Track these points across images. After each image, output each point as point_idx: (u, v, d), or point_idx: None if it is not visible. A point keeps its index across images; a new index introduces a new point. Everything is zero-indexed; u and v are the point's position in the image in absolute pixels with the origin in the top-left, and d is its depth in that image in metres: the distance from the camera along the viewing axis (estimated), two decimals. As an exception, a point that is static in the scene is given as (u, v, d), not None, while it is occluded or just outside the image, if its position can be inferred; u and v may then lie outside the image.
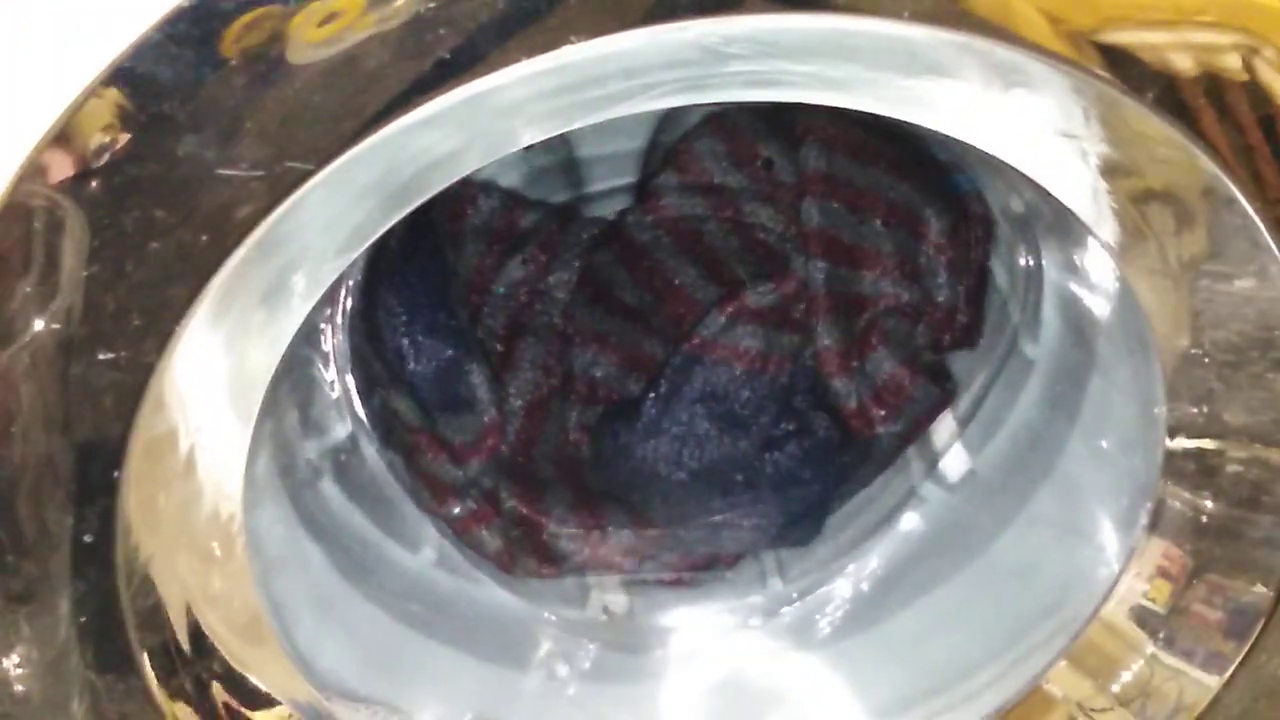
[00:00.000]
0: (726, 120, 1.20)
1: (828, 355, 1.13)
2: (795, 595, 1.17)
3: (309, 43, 0.63)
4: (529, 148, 0.76)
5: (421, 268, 1.11)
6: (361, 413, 1.10)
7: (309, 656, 0.93)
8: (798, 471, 1.13)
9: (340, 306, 1.06)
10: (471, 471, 1.12)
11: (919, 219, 1.15)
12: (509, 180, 1.24)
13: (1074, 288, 1.02)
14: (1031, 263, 1.08)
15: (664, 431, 1.12)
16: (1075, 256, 0.99)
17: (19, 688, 0.76)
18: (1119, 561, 0.97)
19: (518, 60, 0.65)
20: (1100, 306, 0.98)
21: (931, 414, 1.16)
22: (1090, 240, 0.90)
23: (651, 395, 1.12)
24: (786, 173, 1.18)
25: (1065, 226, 0.94)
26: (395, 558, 1.09)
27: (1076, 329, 1.04)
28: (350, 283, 1.06)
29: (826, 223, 1.13)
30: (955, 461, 1.16)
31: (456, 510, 1.12)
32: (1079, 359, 1.03)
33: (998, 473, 1.13)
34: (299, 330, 0.78)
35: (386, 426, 1.11)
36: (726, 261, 1.18)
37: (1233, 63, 0.72)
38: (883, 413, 1.14)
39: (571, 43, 0.65)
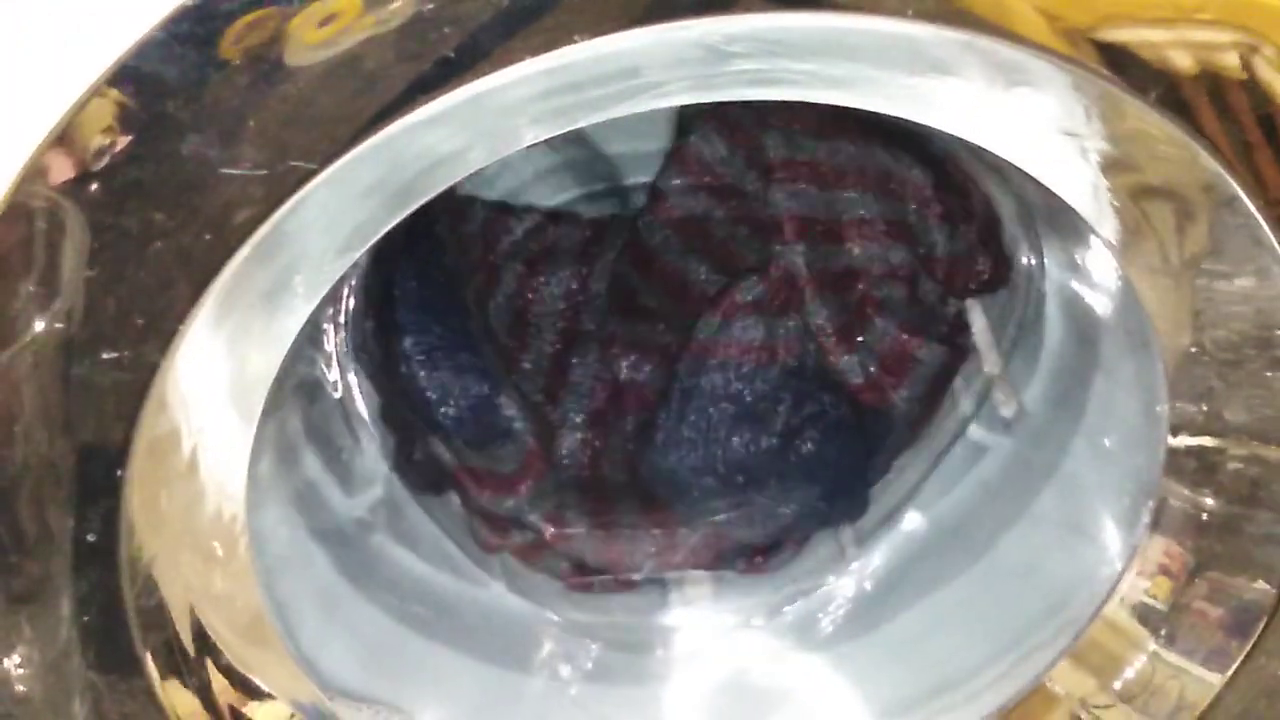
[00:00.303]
0: (725, 115, 1.19)
1: (823, 335, 1.13)
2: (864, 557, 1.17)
3: (308, 44, 0.63)
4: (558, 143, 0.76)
5: (436, 310, 1.11)
6: (365, 413, 1.10)
7: (312, 657, 0.93)
8: (823, 454, 1.13)
9: (343, 305, 1.06)
10: (524, 499, 1.12)
11: (896, 179, 1.15)
12: (539, 173, 1.25)
13: (1076, 286, 1.02)
14: (1034, 261, 1.08)
15: (685, 440, 1.12)
16: (1077, 255, 0.99)
17: (20, 688, 0.76)
18: (1121, 560, 0.97)
19: (520, 59, 0.65)
20: (1102, 304, 0.99)
21: (947, 371, 1.16)
22: (1092, 238, 0.90)
23: (665, 409, 1.13)
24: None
25: (1067, 224, 0.94)
26: (397, 558, 1.08)
27: (1079, 327, 1.04)
28: (353, 283, 1.06)
29: (797, 206, 1.14)
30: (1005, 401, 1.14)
31: (519, 539, 1.13)
32: (1081, 357, 1.04)
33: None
34: (301, 330, 0.78)
35: (431, 474, 1.12)
36: (737, 253, 1.18)
37: (1231, 61, 0.72)
38: (893, 380, 1.14)
39: (574, 42, 0.65)
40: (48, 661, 0.76)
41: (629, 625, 1.16)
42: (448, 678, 1.06)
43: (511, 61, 0.65)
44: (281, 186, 0.66)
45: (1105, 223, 0.84)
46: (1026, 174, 0.83)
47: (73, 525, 0.73)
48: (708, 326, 1.12)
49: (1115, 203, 0.82)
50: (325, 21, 0.62)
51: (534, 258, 1.20)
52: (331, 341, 1.06)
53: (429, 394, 1.09)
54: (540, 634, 1.13)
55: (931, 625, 1.11)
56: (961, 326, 1.17)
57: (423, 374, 1.08)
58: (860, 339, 1.14)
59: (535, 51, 0.65)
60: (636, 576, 1.17)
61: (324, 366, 1.05)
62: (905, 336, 1.13)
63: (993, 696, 1.03)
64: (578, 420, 1.16)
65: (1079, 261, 0.99)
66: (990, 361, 1.14)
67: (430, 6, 0.63)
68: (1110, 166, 0.80)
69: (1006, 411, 1.13)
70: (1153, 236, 0.83)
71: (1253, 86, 0.73)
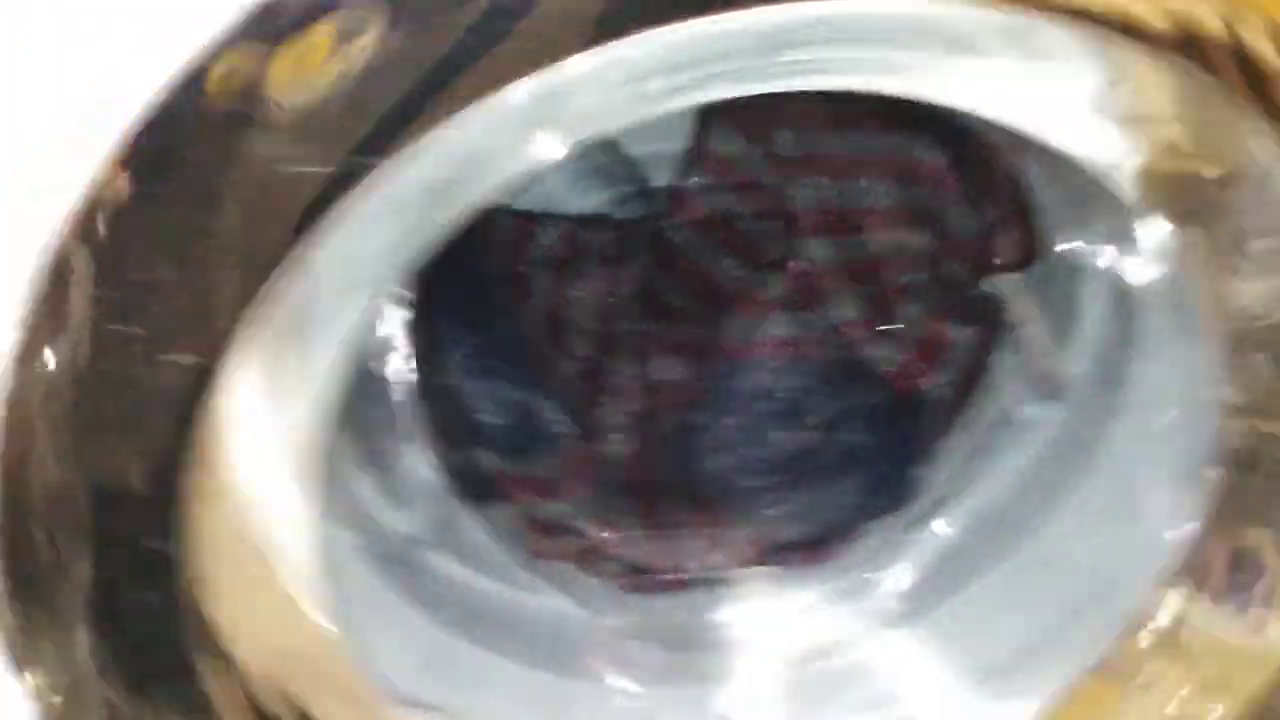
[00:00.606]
0: (741, 111, 1.18)
1: (851, 327, 1.13)
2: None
3: (291, 81, 0.62)
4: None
5: (472, 320, 1.13)
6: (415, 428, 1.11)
7: (366, 665, 0.92)
8: (864, 444, 1.13)
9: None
10: (570, 503, 1.13)
11: (912, 163, 1.14)
12: (567, 180, 1.23)
13: (1122, 269, 0.99)
14: (1075, 243, 1.05)
15: (724, 443, 1.13)
16: (1121, 235, 0.95)
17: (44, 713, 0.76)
18: (1169, 551, 0.96)
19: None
20: (1148, 286, 0.95)
21: (981, 353, 1.14)
22: (1136, 217, 0.88)
23: (702, 414, 1.14)
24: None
25: (1110, 204, 0.90)
26: (440, 566, 1.09)
27: (1124, 310, 1.01)
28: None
29: (812, 202, 1.14)
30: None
31: (570, 544, 1.14)
32: (1127, 341, 1.01)
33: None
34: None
35: (480, 484, 1.13)
36: (763, 248, 1.18)
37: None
38: (925, 365, 1.14)
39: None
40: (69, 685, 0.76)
41: (684, 624, 1.15)
42: (500, 683, 1.06)
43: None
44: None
45: (1150, 202, 0.83)
46: (1069, 153, 0.81)
47: (116, 550, 0.73)
48: (734, 329, 1.12)
49: (1161, 181, 0.81)
50: (301, 60, 0.62)
51: (564, 264, 1.20)
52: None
53: (470, 404, 1.10)
54: (593, 639, 1.12)
55: (1003, 593, 1.10)
56: (992, 307, 1.15)
57: (462, 385, 1.10)
58: (888, 327, 1.14)
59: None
60: (690, 576, 1.16)
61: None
62: (933, 321, 1.13)
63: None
64: (620, 422, 1.16)
65: (1122, 242, 0.96)
66: (1035, 340, 1.11)
67: (396, 44, 0.62)
68: (1157, 145, 0.79)
69: (1049, 391, 1.10)
70: (1201, 216, 0.82)
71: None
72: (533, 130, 0.72)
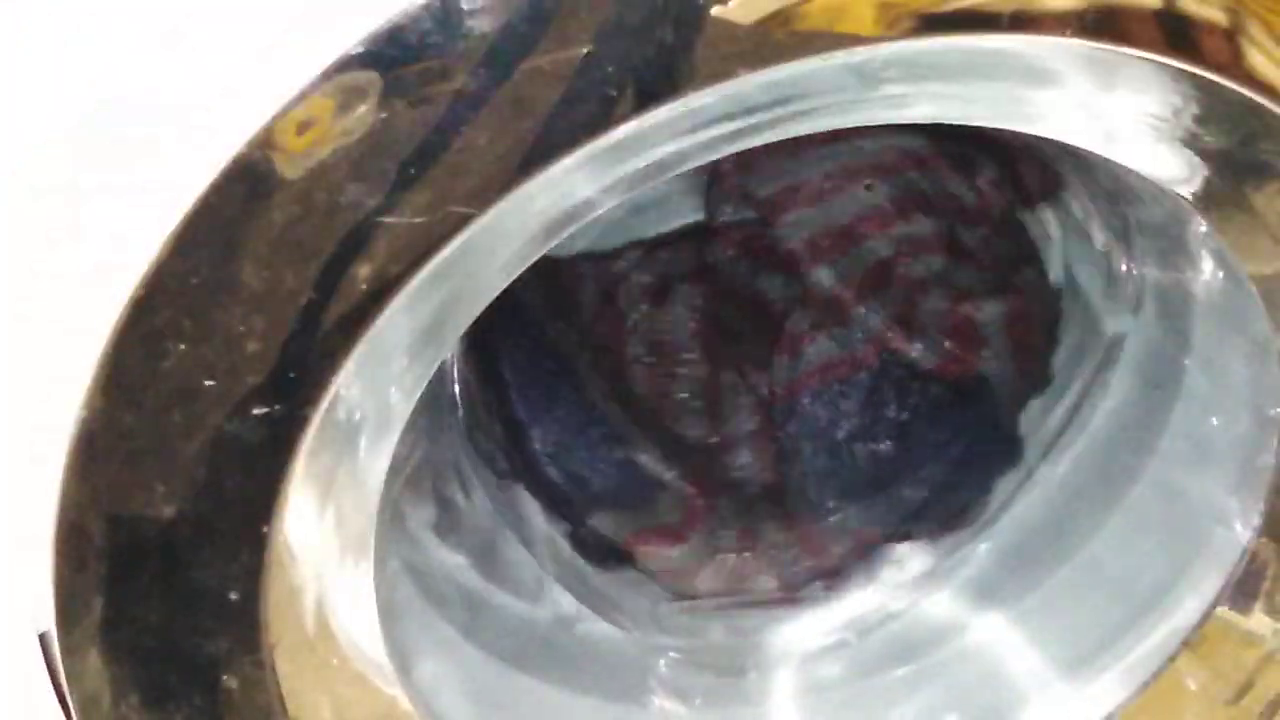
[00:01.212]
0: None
1: (883, 333, 1.12)
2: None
3: (294, 152, 0.61)
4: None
5: (548, 394, 1.12)
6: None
7: (426, 698, 0.92)
8: (939, 440, 1.12)
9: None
10: (698, 541, 1.13)
11: (887, 156, 1.13)
12: (656, 200, 1.22)
13: (1180, 280, 0.97)
14: (1130, 265, 1.03)
15: (814, 479, 1.12)
16: (1176, 247, 0.94)
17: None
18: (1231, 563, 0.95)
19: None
20: (1208, 299, 0.94)
21: (1023, 316, 1.12)
22: (1192, 227, 0.87)
23: (781, 461, 1.13)
24: None
25: (1167, 216, 0.90)
26: (500, 602, 1.08)
27: (1181, 322, 0.99)
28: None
29: (802, 232, 1.13)
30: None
31: (712, 581, 1.13)
32: (1184, 355, 0.99)
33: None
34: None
35: (602, 550, 1.12)
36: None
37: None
38: (966, 346, 1.12)
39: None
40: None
41: (736, 648, 1.14)
42: (555, 714, 1.05)
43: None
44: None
45: (1211, 212, 0.81)
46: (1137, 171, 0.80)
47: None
48: (780, 368, 1.12)
49: (1221, 191, 0.79)
50: (303, 129, 0.61)
51: (654, 290, 1.18)
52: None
53: (579, 480, 1.11)
54: (649, 666, 1.11)
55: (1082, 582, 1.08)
56: (1018, 267, 1.13)
57: (565, 464, 1.11)
58: (918, 322, 1.12)
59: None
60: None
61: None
62: (958, 305, 1.12)
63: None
64: (746, 430, 1.15)
65: (1179, 254, 0.94)
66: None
67: (384, 115, 0.61)
68: (1214, 155, 0.77)
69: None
70: (1262, 226, 0.80)
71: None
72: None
